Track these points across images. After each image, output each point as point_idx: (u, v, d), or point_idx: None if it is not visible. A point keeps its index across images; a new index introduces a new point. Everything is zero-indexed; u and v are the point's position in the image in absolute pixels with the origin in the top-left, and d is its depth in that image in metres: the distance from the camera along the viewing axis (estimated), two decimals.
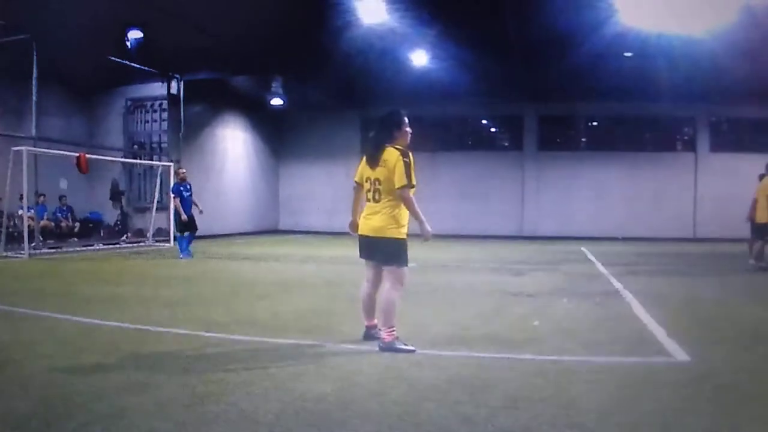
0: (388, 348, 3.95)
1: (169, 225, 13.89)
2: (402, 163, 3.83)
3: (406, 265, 4.00)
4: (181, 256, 10.71)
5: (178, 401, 2.91)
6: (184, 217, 10.54)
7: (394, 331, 3.98)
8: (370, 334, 4.24)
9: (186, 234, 10.79)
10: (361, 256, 4.17)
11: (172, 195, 11.04)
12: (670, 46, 11.03)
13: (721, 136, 17.97)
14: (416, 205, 3.90)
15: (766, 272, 8.72)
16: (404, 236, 3.96)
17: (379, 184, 3.94)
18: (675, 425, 2.67)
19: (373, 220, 3.98)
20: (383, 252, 3.99)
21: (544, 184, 18.58)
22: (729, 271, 9.02)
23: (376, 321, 4.20)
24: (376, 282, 4.15)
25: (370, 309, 4.22)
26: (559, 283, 7.49)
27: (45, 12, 10.33)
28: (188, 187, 10.83)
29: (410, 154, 3.92)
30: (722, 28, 9.68)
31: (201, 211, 10.90)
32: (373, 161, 3.97)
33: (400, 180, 3.83)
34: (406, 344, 4.00)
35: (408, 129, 4.08)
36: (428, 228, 3.96)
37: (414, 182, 3.87)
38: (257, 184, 19.86)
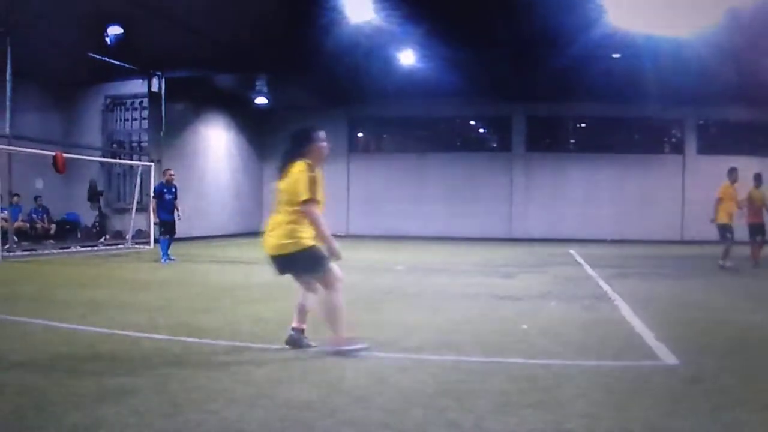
0: (337, 352, 3.87)
1: (149, 227, 13.64)
2: (306, 176, 3.79)
3: (327, 267, 3.85)
4: (162, 260, 10.39)
5: (157, 410, 2.82)
6: (155, 219, 10.30)
7: (343, 335, 3.90)
8: (293, 338, 4.05)
9: (166, 237, 10.57)
10: (278, 274, 4.02)
11: (152, 194, 10.80)
12: (658, 48, 11.16)
13: (709, 138, 18.27)
14: (321, 221, 3.81)
15: (731, 271, 8.96)
16: (307, 245, 3.82)
17: (282, 195, 3.91)
18: (664, 429, 2.66)
19: (272, 237, 3.90)
20: (297, 267, 3.93)
21: (533, 185, 18.69)
22: (717, 274, 9.12)
23: (304, 326, 4.06)
24: (310, 287, 4.03)
25: (300, 311, 4.07)
26: (547, 286, 7.50)
27: (21, 6, 10.06)
28: (173, 190, 10.57)
29: (317, 169, 3.90)
30: (710, 31, 9.81)
31: (179, 217, 10.59)
32: (281, 174, 3.98)
33: (304, 193, 3.76)
34: (356, 344, 3.92)
35: (323, 144, 4.06)
36: (334, 246, 3.81)
37: (318, 197, 3.81)
38: (240, 184, 19.65)
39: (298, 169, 3.84)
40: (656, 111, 17.27)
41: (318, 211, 3.82)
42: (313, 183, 3.79)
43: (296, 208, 3.81)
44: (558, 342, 4.35)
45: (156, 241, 12.28)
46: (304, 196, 3.76)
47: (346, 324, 3.90)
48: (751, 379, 3.45)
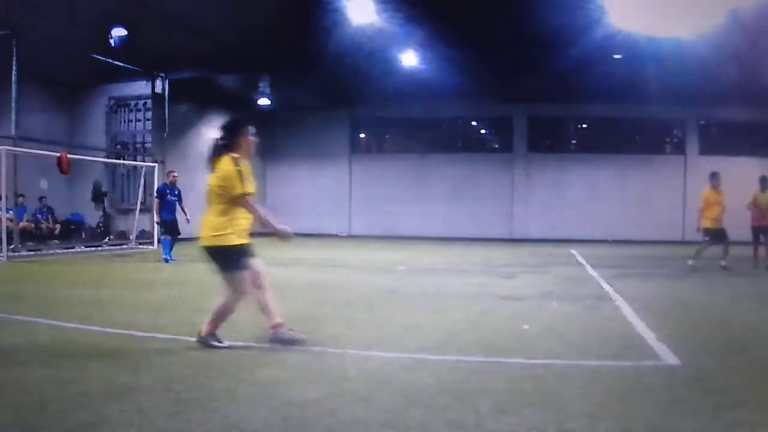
0: (204, 342, 4.04)
1: (152, 227, 13.68)
2: (234, 170, 3.90)
3: (240, 270, 3.96)
4: (165, 258, 10.45)
5: (160, 409, 2.84)
6: (157, 219, 10.38)
7: (213, 328, 4.05)
8: (276, 336, 4.12)
9: (168, 237, 10.63)
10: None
11: (155, 195, 10.85)
12: (660, 49, 11.14)
13: (711, 139, 18.21)
14: (256, 208, 3.98)
15: (729, 271, 9.01)
16: (230, 243, 3.92)
17: (212, 189, 3.99)
18: (665, 429, 2.66)
19: (203, 230, 4.03)
20: (214, 262, 4.02)
21: (534, 186, 18.67)
22: (718, 275, 9.10)
23: (279, 320, 4.13)
24: (255, 283, 4.08)
25: (265, 310, 4.16)
26: (548, 287, 7.49)
27: (26, 8, 10.11)
28: (175, 191, 10.62)
29: (244, 162, 4.00)
30: (712, 31, 9.79)
31: (187, 220, 10.50)
32: (210, 167, 4.05)
33: (237, 187, 3.89)
34: (221, 342, 4.07)
35: (251, 138, 4.16)
36: (281, 227, 4.00)
37: (247, 190, 3.93)
38: None
39: (226, 163, 3.93)
40: (657, 111, 17.25)
41: (249, 200, 3.95)
42: (241, 176, 3.89)
43: (225, 202, 3.91)
44: (559, 342, 4.36)
45: (159, 241, 12.33)
46: (238, 191, 3.88)
47: (223, 325, 4.10)
48: (752, 379, 3.45)
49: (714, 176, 9.48)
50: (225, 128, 4.17)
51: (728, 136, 17.92)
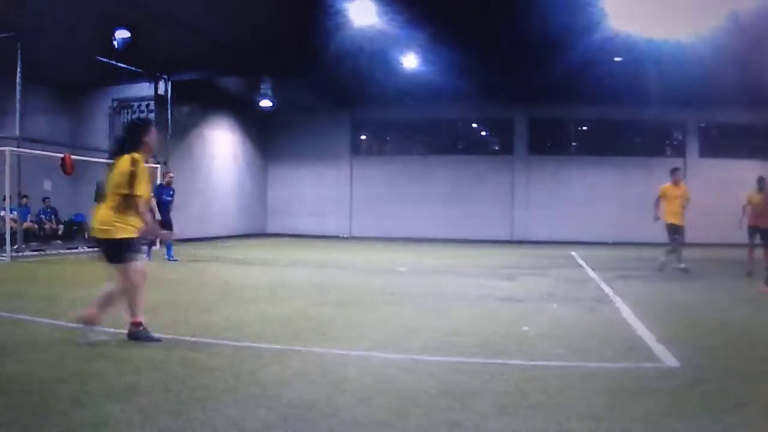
0: (84, 329, 4.16)
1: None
2: (129, 170, 4.11)
3: (131, 261, 4.18)
4: (166, 257, 10.68)
5: (162, 408, 2.85)
6: (157, 217, 10.53)
7: (94, 318, 4.15)
8: (134, 333, 4.27)
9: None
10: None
11: (151, 196, 11.01)
12: (660, 51, 11.14)
13: (711, 141, 18.20)
14: (143, 210, 4.21)
15: (684, 273, 9.03)
16: (117, 236, 4.13)
17: (110, 184, 4.22)
18: (665, 431, 2.68)
19: (94, 222, 4.30)
20: (105, 252, 4.23)
21: (535, 188, 18.68)
22: (717, 277, 9.10)
23: (140, 319, 4.29)
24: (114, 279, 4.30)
25: (132, 306, 4.29)
26: (549, 288, 7.50)
27: (31, 10, 10.16)
28: (171, 192, 10.84)
29: (141, 163, 4.19)
30: (712, 34, 9.80)
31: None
32: (112, 165, 4.29)
33: (125, 187, 4.11)
34: (94, 334, 4.17)
35: (153, 137, 4.40)
36: (158, 230, 4.35)
37: (136, 192, 4.13)
38: (245, 186, 19.72)
39: (125, 162, 4.16)
40: (658, 114, 17.24)
41: (139, 203, 4.18)
42: (134, 178, 4.12)
43: (118, 198, 4.16)
44: (559, 344, 4.37)
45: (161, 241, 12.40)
46: (125, 191, 4.12)
47: (107, 313, 4.27)
48: (752, 381, 3.45)
49: (674, 171, 9.63)
50: (129, 128, 4.48)
51: (728, 139, 17.92)
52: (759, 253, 9.09)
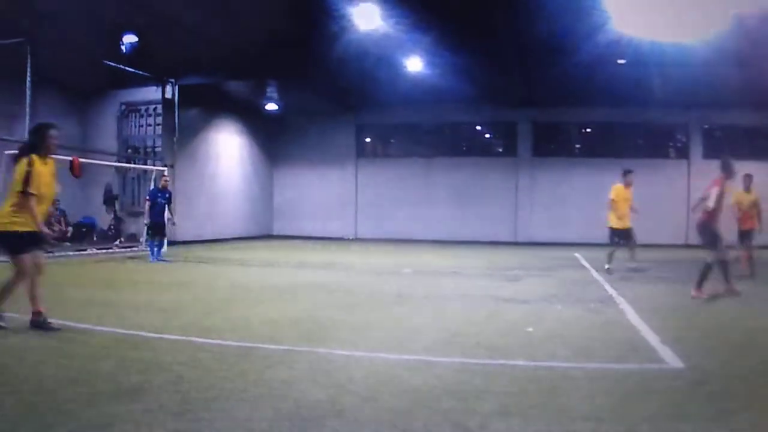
0: None
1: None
2: (24, 171, 4.50)
3: (21, 254, 4.53)
4: (151, 259, 10.93)
5: (169, 408, 2.88)
6: (147, 221, 10.81)
7: None
8: (34, 322, 4.65)
9: (156, 239, 11.12)
10: None
11: (147, 198, 11.24)
12: (664, 53, 11.12)
13: (714, 142, 18.07)
14: (31, 207, 4.50)
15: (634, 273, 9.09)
16: (12, 230, 4.49)
17: (12, 183, 4.61)
18: None
19: None
20: (1, 244, 4.65)
21: (538, 189, 18.63)
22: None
23: (41, 309, 4.67)
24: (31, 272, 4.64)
25: (32, 297, 4.68)
26: (552, 290, 7.50)
27: (41, 15, 10.29)
28: (166, 195, 11.08)
29: (37, 165, 4.55)
30: (715, 36, 9.78)
31: (173, 223, 11.25)
32: (14, 165, 4.67)
33: (20, 185, 4.49)
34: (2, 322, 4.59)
35: (52, 142, 4.74)
36: (44, 230, 4.58)
37: (29, 190, 4.48)
38: (251, 188, 19.80)
39: (23, 163, 4.54)
40: (661, 116, 17.16)
41: (32, 201, 4.49)
42: (28, 177, 4.47)
43: (15, 196, 4.51)
44: (563, 345, 4.37)
45: (145, 241, 12.62)
46: (19, 188, 4.49)
47: (5, 302, 4.63)
48: (755, 383, 3.45)
49: (627, 173, 9.51)
50: (32, 132, 4.87)
51: (732, 140, 17.76)
52: (737, 253, 8.94)
